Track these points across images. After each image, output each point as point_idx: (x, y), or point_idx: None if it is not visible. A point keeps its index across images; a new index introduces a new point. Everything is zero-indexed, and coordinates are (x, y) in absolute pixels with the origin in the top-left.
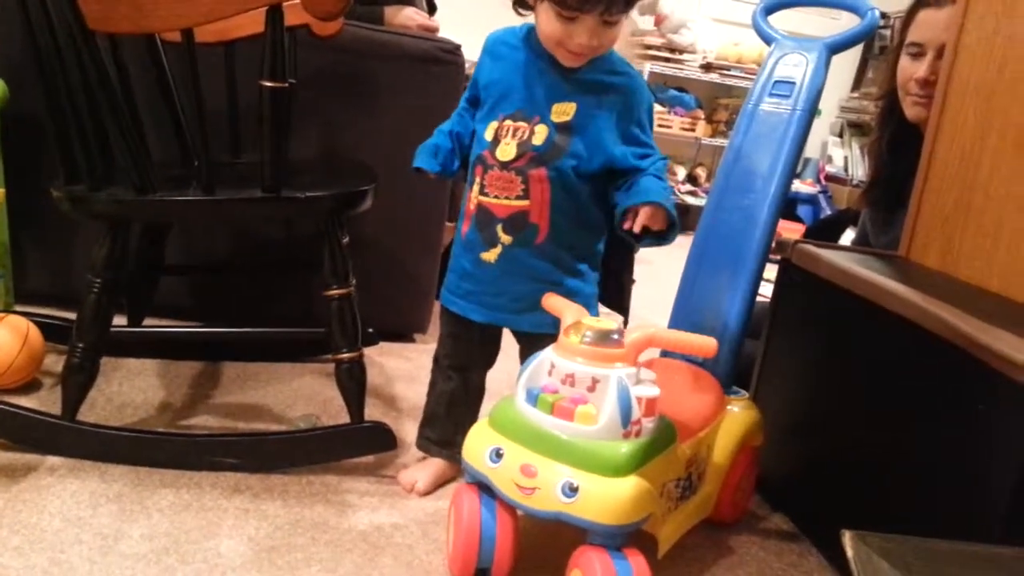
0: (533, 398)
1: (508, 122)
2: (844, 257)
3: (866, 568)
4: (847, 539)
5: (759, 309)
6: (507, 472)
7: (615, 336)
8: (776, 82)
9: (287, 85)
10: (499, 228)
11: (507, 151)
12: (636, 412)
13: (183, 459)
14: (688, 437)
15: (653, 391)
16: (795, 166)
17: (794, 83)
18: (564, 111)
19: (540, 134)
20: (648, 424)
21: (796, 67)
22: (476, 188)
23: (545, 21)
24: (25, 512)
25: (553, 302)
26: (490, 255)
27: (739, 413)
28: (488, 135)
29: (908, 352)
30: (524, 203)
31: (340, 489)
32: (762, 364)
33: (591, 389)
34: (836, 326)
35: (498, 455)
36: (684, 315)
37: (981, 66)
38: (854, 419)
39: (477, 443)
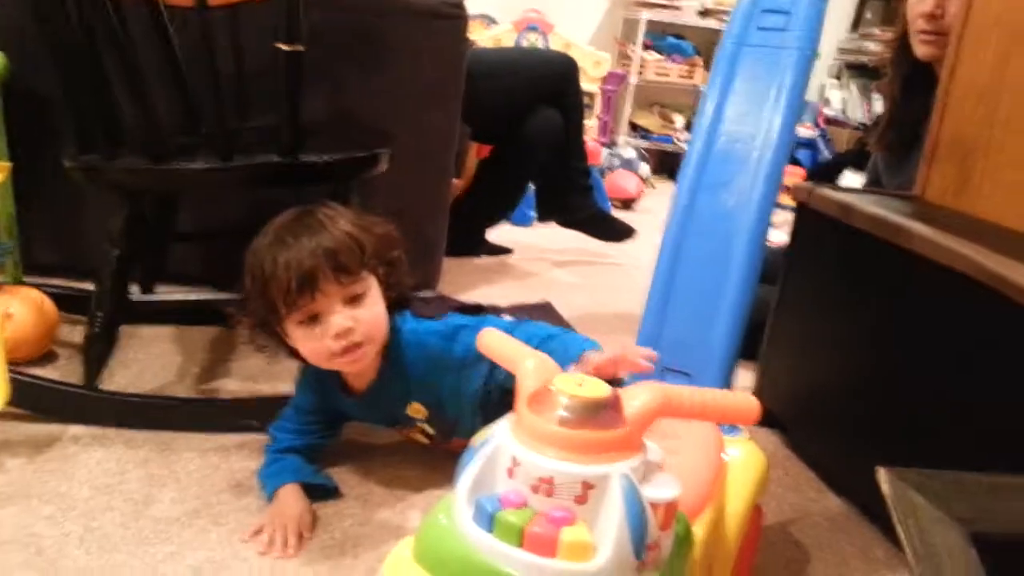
0: (487, 518)
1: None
2: (862, 199)
3: (903, 504)
4: (882, 476)
5: (769, 254)
6: None
7: (608, 407)
8: (763, 11)
9: (303, 49)
10: None
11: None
12: (653, 529)
13: (207, 423)
14: (694, 520)
15: (672, 489)
16: (795, 129)
17: (788, 13)
18: (419, 411)
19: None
20: (667, 541)
21: None
22: None
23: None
24: (53, 482)
25: (494, 341)
26: None
27: (742, 461)
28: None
29: (929, 290)
30: None
31: (362, 446)
32: (777, 309)
33: (580, 500)
34: (854, 268)
35: None
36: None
37: None
38: (874, 360)
39: None
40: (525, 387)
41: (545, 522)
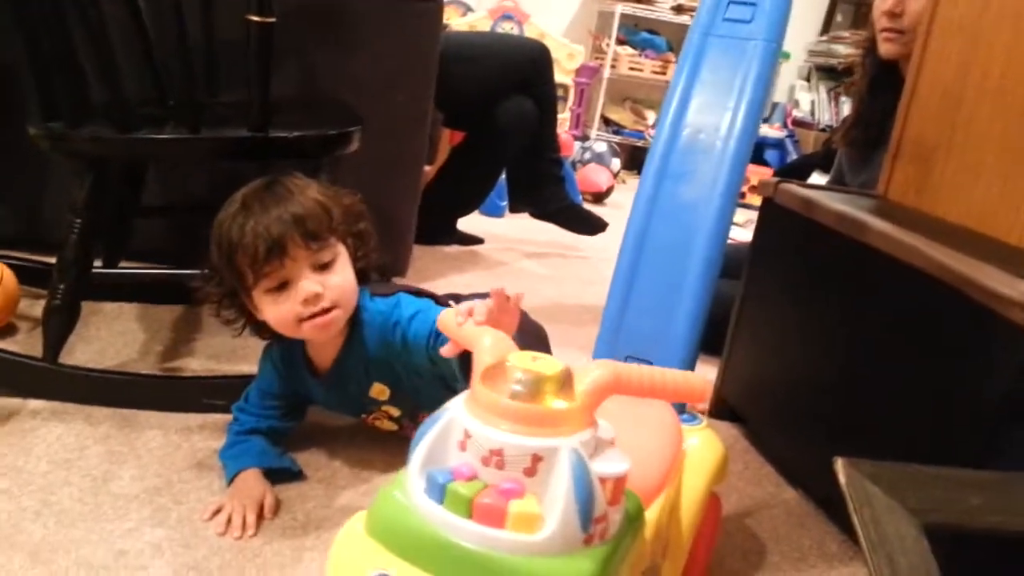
0: (438, 490)
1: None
2: (826, 196)
3: (858, 493)
4: (839, 466)
5: (733, 250)
6: None
7: (561, 383)
8: (730, 3)
9: (274, 20)
10: None
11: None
12: (600, 503)
13: (170, 401)
14: (649, 503)
15: (622, 464)
16: (759, 119)
17: (754, 4)
18: (381, 391)
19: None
20: (615, 516)
21: None
22: None
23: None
24: (11, 456)
25: (451, 322)
26: None
27: (701, 449)
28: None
29: (888, 287)
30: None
31: (327, 428)
32: (740, 303)
33: (530, 472)
34: (817, 263)
35: None
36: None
37: (965, 3)
38: (834, 355)
39: (350, 566)
40: (481, 362)
41: (494, 494)
